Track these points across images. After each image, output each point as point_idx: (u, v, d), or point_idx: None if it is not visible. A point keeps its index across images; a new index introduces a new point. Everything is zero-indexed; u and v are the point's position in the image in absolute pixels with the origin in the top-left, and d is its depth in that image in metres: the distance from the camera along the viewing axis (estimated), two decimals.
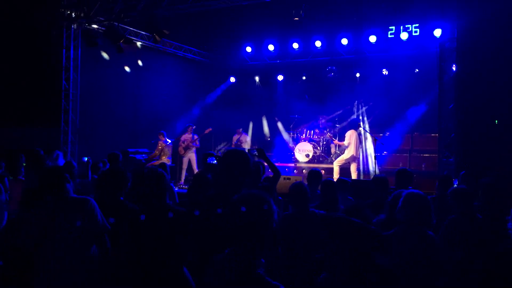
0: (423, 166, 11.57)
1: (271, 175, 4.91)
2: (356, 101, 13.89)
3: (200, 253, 2.86)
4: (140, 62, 13.23)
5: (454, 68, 9.48)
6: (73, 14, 11.01)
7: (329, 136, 12.65)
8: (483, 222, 3.95)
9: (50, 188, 3.30)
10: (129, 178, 4.08)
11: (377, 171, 10.56)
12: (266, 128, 15.82)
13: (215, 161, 5.69)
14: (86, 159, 8.81)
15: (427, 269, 3.03)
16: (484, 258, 2.48)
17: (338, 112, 14.05)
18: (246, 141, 13.68)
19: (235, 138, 13.67)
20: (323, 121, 13.69)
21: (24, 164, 7.33)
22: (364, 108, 13.82)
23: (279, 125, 15.51)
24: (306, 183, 5.77)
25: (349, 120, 12.85)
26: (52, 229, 3.14)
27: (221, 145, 15.16)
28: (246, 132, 14.80)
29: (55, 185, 3.29)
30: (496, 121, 8.24)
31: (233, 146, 13.48)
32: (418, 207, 3.14)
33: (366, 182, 8.12)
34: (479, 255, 3.46)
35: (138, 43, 12.59)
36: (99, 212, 3.27)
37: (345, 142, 10.93)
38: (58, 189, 3.29)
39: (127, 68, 12.96)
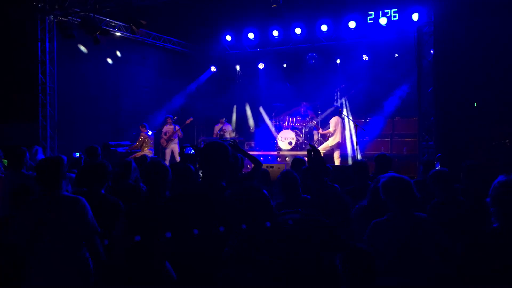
0: (404, 150, 11.71)
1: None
2: (338, 88, 13.94)
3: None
4: (118, 53, 13.03)
5: (432, 52, 9.54)
6: (47, 5, 10.77)
7: (314, 123, 12.68)
8: (466, 204, 3.97)
9: (45, 182, 3.15)
10: (111, 171, 4.05)
11: (359, 157, 10.65)
12: (233, 117, 15.80)
13: (192, 151, 5.66)
14: (78, 154, 8.75)
15: (423, 252, 3.01)
16: (466, 241, 2.51)
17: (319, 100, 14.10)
18: (229, 131, 13.65)
19: (217, 128, 13.63)
20: (303, 107, 13.73)
21: (5, 161, 7.22)
22: (343, 95, 13.87)
23: (247, 108, 15.60)
24: None
25: (331, 107, 12.94)
26: (43, 228, 3.05)
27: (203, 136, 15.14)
28: (229, 121, 14.79)
29: (51, 179, 3.14)
30: (475, 103, 8.34)
31: (215, 136, 13.45)
32: (398, 190, 3.10)
33: (348, 168, 8.18)
34: (462, 238, 3.49)
35: (117, 33, 12.38)
36: (89, 213, 3.16)
37: (331, 129, 10.99)
38: (54, 184, 3.15)
39: (109, 60, 12.77)
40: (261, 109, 15.36)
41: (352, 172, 4.87)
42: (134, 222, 3.14)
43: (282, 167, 9.89)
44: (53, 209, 3.10)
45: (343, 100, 13.87)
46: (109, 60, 12.84)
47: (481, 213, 3.84)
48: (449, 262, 3.10)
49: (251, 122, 15.63)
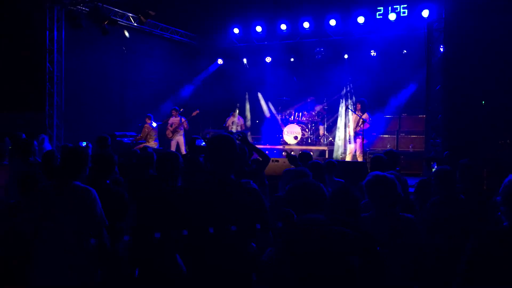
0: (410, 147, 11.66)
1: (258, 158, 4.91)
2: (345, 84, 13.86)
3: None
4: (126, 44, 13.01)
5: (442, 49, 9.48)
6: None
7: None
8: (466, 203, 3.95)
9: (66, 171, 3.17)
10: (116, 161, 4.06)
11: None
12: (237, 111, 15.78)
13: (203, 143, 5.66)
14: (84, 143, 8.80)
15: (402, 252, 3.00)
16: (470, 240, 2.48)
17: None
18: (240, 124, 13.64)
19: (229, 120, 13.64)
20: (309, 101, 13.69)
21: (10, 148, 7.24)
22: (351, 90, 13.78)
23: (246, 101, 15.62)
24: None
25: (358, 100, 12.54)
26: (51, 216, 3.05)
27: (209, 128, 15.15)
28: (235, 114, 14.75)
29: (74, 168, 3.18)
30: (483, 102, 8.29)
31: (227, 126, 13.48)
32: (380, 189, 3.09)
33: (355, 164, 8.16)
34: (463, 237, 3.47)
35: (126, 33, 12.35)
36: (98, 205, 3.17)
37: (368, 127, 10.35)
38: (74, 173, 3.18)
39: (126, 33, 12.64)
40: (262, 101, 15.37)
41: (368, 165, 4.87)
42: (144, 213, 3.13)
43: (287, 161, 9.85)
44: (63, 197, 3.10)
45: (350, 95, 13.78)
46: (126, 33, 12.68)
47: (481, 212, 3.83)
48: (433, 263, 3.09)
49: (247, 114, 15.61)
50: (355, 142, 10.47)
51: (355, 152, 10.43)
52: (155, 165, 3.47)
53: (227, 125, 13.60)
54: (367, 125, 10.06)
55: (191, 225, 2.51)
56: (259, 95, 15.47)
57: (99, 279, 3.16)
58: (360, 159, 10.06)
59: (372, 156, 5.74)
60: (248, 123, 15.44)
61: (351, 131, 10.57)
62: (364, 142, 10.12)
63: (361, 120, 10.00)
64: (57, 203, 3.07)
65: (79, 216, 3.08)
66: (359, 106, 10.44)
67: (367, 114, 10.19)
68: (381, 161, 4.93)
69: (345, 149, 12.11)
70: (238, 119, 13.65)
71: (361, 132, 10.05)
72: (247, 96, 15.67)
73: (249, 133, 14.83)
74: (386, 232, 3.00)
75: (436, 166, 6.51)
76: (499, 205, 2.44)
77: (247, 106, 15.70)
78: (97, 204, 3.15)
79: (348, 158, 10.60)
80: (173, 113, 12.31)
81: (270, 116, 15.14)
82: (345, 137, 12.22)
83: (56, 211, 3.06)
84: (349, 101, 13.39)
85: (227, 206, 2.51)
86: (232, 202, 2.54)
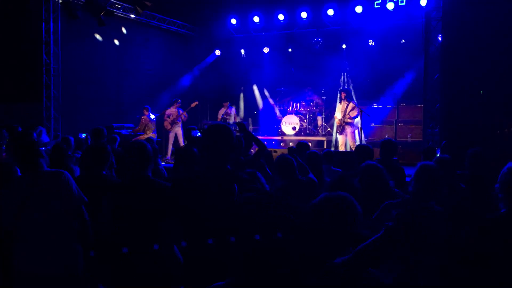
0: (408, 136, 11.66)
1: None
2: (343, 73, 13.81)
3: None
4: (123, 35, 12.94)
5: (440, 39, 9.44)
6: None
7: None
8: (467, 191, 3.96)
9: (23, 163, 3.23)
10: (111, 153, 4.05)
11: (364, 142, 10.57)
12: (242, 104, 15.71)
13: (199, 134, 5.66)
14: (84, 135, 8.81)
15: (423, 243, 2.96)
16: (472, 226, 2.49)
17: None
18: (233, 115, 13.60)
19: (221, 112, 13.59)
20: (307, 92, 13.66)
21: (8, 140, 7.25)
22: (349, 80, 13.74)
23: (241, 94, 15.57)
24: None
25: (342, 89, 12.62)
26: (29, 205, 3.08)
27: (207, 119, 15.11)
28: (232, 105, 14.72)
29: (28, 159, 3.22)
30: (481, 91, 8.27)
31: (219, 120, 13.40)
32: (428, 178, 2.99)
33: (351, 153, 8.16)
34: (463, 224, 3.47)
35: (123, 29, 12.29)
36: (74, 184, 3.21)
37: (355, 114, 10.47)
38: (31, 164, 3.22)
39: (116, 42, 12.66)
40: (256, 92, 15.32)
41: (355, 156, 4.86)
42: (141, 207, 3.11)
43: (286, 152, 9.84)
44: (36, 185, 3.13)
45: (348, 85, 13.73)
46: (116, 42, 12.74)
47: (483, 200, 3.84)
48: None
49: (241, 105, 15.58)
50: (344, 132, 10.30)
51: (347, 142, 10.35)
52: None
53: (223, 117, 13.52)
54: (354, 113, 9.94)
55: (189, 221, 2.50)
56: (254, 86, 15.40)
57: (82, 268, 3.18)
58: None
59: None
60: (241, 113, 15.39)
61: (338, 121, 10.46)
62: (354, 131, 10.12)
63: (348, 109, 9.97)
64: (32, 191, 3.11)
65: (56, 199, 3.11)
66: (343, 94, 10.31)
67: (353, 102, 10.14)
68: (364, 150, 4.91)
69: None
70: (230, 109, 13.58)
71: (352, 121, 10.02)
72: (242, 87, 15.61)
73: (250, 120, 14.86)
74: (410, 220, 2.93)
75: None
76: (497, 192, 2.45)
77: (241, 96, 15.66)
78: (72, 184, 3.19)
79: (341, 149, 10.58)
80: (174, 104, 12.27)
81: (268, 106, 15.09)
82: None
83: (32, 200, 3.09)
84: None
85: (225, 204, 2.50)
86: (230, 200, 2.53)
